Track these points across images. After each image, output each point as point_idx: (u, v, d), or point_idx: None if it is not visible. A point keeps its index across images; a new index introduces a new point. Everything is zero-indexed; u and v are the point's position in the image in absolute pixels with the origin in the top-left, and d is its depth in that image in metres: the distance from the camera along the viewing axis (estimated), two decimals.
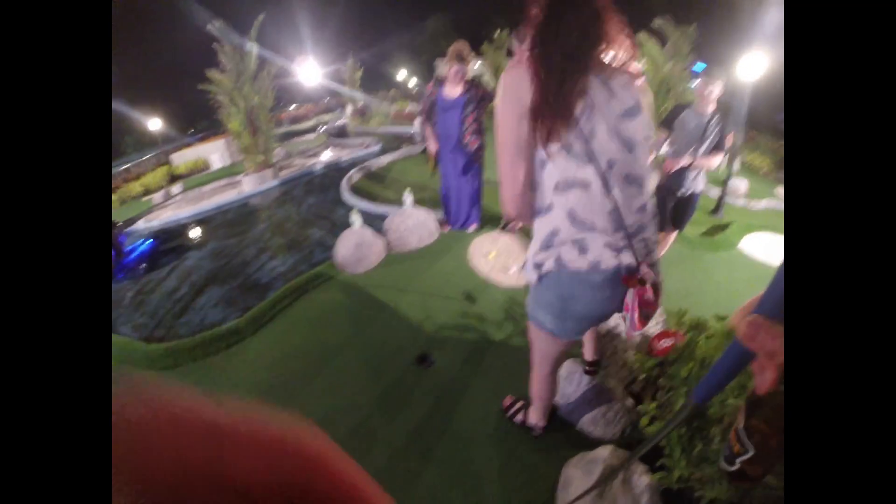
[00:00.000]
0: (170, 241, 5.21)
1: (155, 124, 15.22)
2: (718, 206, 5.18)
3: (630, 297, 1.16)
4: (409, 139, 10.51)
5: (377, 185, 6.39)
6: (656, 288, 1.18)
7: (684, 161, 3.03)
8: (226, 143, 9.94)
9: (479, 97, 3.53)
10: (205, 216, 6.02)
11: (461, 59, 3.41)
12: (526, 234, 4.14)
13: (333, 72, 13.81)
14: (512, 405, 2.09)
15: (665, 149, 3.26)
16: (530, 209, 1.24)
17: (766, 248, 4.13)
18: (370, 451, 2.00)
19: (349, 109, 13.01)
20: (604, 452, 1.66)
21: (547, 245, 1.20)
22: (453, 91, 3.52)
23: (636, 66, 1.18)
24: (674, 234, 3.53)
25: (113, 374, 0.27)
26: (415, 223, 3.99)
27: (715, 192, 5.35)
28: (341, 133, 11.60)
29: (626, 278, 1.15)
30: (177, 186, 7.96)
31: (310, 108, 15.50)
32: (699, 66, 7.52)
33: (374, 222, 4.05)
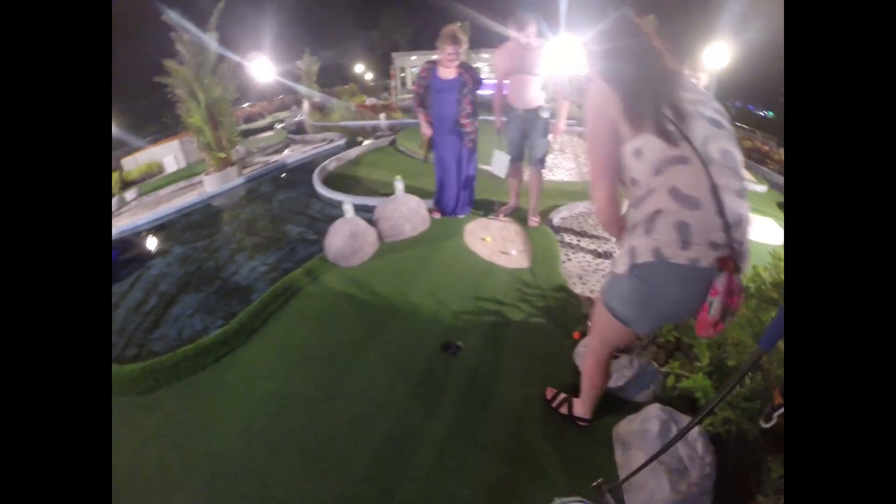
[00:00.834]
0: (129, 251, 4.56)
1: None
2: None
3: (722, 281, 1.08)
4: (373, 131, 10.09)
5: (350, 178, 5.95)
6: (741, 290, 1.13)
7: None
8: (180, 144, 9.07)
9: (473, 80, 3.39)
10: (166, 220, 5.32)
11: (455, 40, 3.22)
12: (521, 218, 3.91)
13: (288, 69, 13.05)
14: (554, 397, 1.92)
15: None
16: (620, 214, 1.32)
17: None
18: (416, 451, 1.73)
19: (306, 105, 12.32)
20: (653, 410, 1.66)
21: (648, 228, 1.15)
22: (448, 73, 3.36)
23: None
24: None
25: None
26: (408, 210, 3.63)
27: None
28: (300, 129, 10.97)
29: (723, 259, 1.08)
30: (131, 192, 7.11)
31: (264, 105, 14.55)
32: None
33: (358, 214, 3.65)
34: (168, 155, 8.96)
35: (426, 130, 3.64)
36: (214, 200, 5.86)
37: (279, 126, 11.71)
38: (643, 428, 1.62)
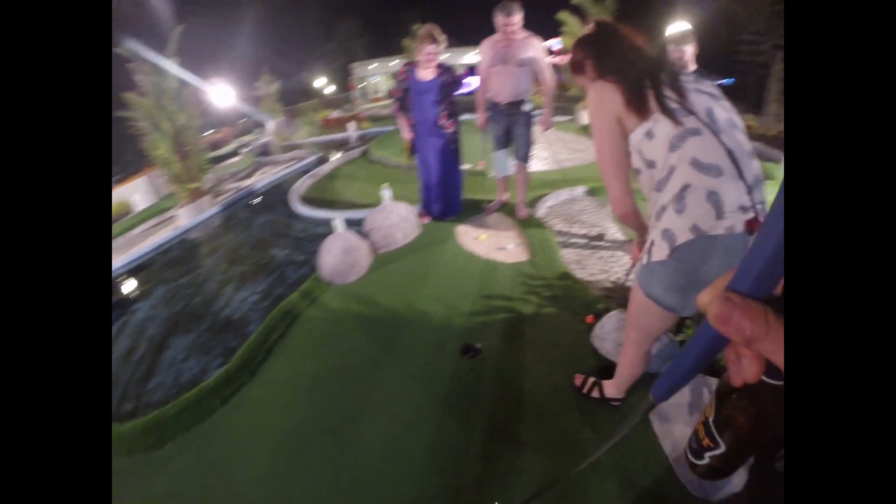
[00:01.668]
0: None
1: None
2: None
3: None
4: (343, 144, 9.84)
5: (327, 194, 5.73)
6: None
7: None
8: (148, 180, 8.56)
9: (453, 80, 3.27)
10: (144, 261, 4.96)
11: (434, 40, 3.10)
12: (510, 213, 3.81)
13: (247, 92, 12.63)
14: (583, 383, 1.86)
15: None
16: (634, 204, 1.36)
17: None
18: (460, 461, 1.62)
19: (270, 126, 11.93)
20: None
21: (679, 207, 1.12)
22: (427, 74, 3.23)
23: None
24: None
25: None
26: (398, 218, 3.47)
27: None
28: (266, 151, 10.60)
29: (751, 222, 1.07)
30: None
31: (227, 131, 14.00)
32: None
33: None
34: (135, 193, 8.46)
35: (407, 134, 3.48)
36: (191, 233, 5.54)
37: (245, 150, 11.30)
38: (677, 399, 1.64)
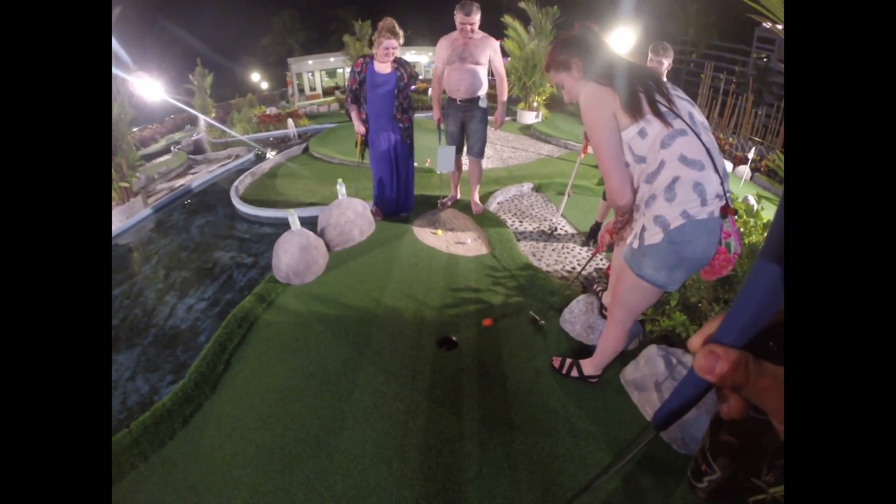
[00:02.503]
0: None
1: None
2: None
3: (728, 223, 1.26)
4: (283, 141, 9.25)
5: (271, 192, 5.34)
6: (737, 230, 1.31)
7: None
8: None
9: (409, 75, 3.16)
10: None
11: (393, 33, 2.95)
12: (463, 208, 3.79)
13: (179, 86, 11.40)
14: (562, 365, 1.92)
15: None
16: (634, 193, 1.37)
17: None
18: (456, 453, 1.58)
19: (202, 122, 10.89)
20: (653, 351, 1.81)
21: (669, 196, 1.24)
22: (384, 67, 3.08)
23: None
24: None
25: None
26: (354, 214, 3.30)
27: None
28: (199, 149, 9.68)
29: (724, 207, 1.23)
30: None
31: (155, 128, 12.54)
32: None
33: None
34: None
35: (360, 128, 3.31)
36: (122, 238, 4.90)
37: (176, 148, 10.24)
38: (650, 370, 1.76)
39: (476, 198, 3.70)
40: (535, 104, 8.36)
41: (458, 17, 2.88)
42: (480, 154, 3.40)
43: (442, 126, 3.39)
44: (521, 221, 3.74)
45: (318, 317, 2.47)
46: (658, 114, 1.24)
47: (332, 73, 17.88)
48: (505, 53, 8.06)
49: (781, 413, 0.29)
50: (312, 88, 17.56)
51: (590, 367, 1.83)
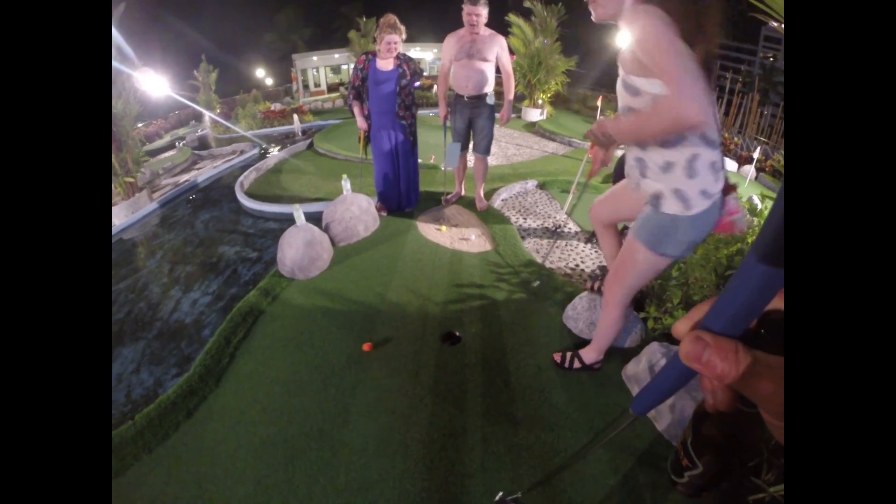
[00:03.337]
0: None
1: None
2: None
3: (733, 199, 1.28)
4: (288, 137, 9.24)
5: (275, 188, 5.34)
6: None
7: None
8: None
9: (412, 71, 3.12)
10: None
11: (395, 29, 2.93)
12: (467, 205, 3.77)
13: (184, 82, 11.40)
14: (563, 358, 1.91)
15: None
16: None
17: None
18: (459, 447, 1.58)
19: (207, 118, 10.90)
20: (654, 348, 1.80)
21: (691, 172, 1.22)
22: (387, 64, 3.05)
23: None
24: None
25: None
26: (359, 210, 3.29)
27: None
28: (203, 145, 9.69)
29: (727, 187, 1.26)
30: None
31: (160, 124, 12.55)
32: None
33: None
34: None
35: (362, 124, 3.29)
36: (127, 233, 4.91)
37: (181, 144, 10.25)
38: (650, 365, 1.75)
39: (481, 194, 3.68)
40: (540, 102, 8.33)
41: (466, 7, 2.85)
42: (487, 151, 3.38)
43: (448, 123, 3.36)
44: (525, 218, 3.72)
45: (323, 311, 2.46)
46: (709, 71, 1.09)
47: (336, 70, 17.83)
48: (510, 51, 8.02)
49: (773, 405, 0.27)
50: (317, 85, 17.51)
51: (591, 353, 1.83)
